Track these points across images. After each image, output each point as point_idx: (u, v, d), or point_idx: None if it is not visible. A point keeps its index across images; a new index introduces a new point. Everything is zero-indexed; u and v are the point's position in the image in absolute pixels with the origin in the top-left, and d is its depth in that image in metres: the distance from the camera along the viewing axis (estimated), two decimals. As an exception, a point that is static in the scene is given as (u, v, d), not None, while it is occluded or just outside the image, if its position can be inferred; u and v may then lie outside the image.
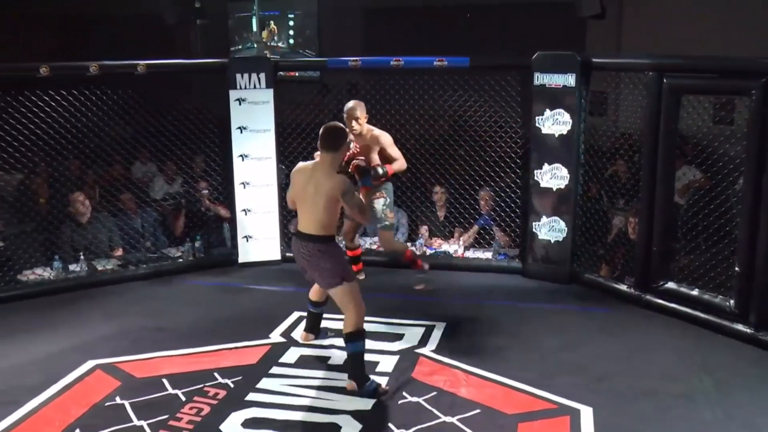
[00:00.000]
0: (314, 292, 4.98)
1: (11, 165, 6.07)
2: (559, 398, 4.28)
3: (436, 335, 5.18)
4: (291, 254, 6.76)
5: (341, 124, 4.57)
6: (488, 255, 6.71)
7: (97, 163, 6.79)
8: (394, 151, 5.76)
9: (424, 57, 6.38)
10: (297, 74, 9.87)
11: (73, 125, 6.19)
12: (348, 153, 5.27)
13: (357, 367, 4.38)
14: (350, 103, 5.65)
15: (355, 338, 4.36)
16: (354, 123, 5.58)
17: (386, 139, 5.73)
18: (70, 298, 6.00)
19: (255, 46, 10.33)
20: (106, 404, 4.23)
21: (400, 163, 5.75)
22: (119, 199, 6.90)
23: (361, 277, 6.11)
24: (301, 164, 4.53)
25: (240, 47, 11.25)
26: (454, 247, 6.80)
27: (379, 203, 5.78)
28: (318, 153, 4.60)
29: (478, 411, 4.15)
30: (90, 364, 4.74)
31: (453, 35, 9.40)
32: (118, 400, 4.28)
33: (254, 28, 9.55)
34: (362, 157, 5.01)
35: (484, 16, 9.87)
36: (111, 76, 6.30)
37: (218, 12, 10.94)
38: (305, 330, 5.13)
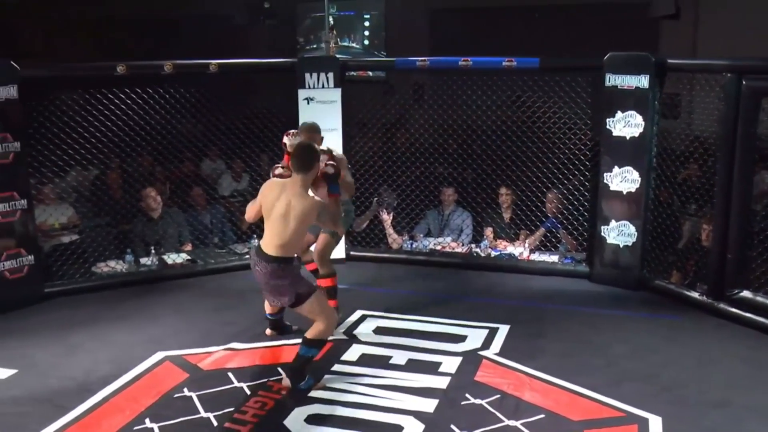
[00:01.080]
0: (269, 306, 4.99)
1: (88, 161, 6.28)
2: (627, 406, 4.18)
3: (500, 338, 5.13)
4: (355, 252, 6.93)
5: (313, 144, 4.46)
6: (554, 258, 6.61)
7: (168, 159, 6.95)
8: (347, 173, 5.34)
9: (493, 57, 6.32)
10: (371, 74, 9.84)
11: (147, 122, 6.36)
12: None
13: (299, 368, 4.38)
14: (308, 123, 5.25)
15: (312, 345, 4.36)
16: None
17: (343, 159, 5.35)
18: (141, 290, 6.16)
19: (323, 45, 10.39)
20: (175, 395, 4.33)
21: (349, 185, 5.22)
22: (189, 194, 7.06)
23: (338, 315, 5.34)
24: (272, 180, 4.41)
25: (314, 46, 11.25)
26: (519, 250, 6.72)
27: None
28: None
29: (542, 416, 4.09)
30: (159, 355, 4.86)
31: (520, 36, 9.29)
32: (185, 391, 4.37)
33: (326, 29, 9.61)
34: (332, 162, 4.62)
35: (552, 16, 9.74)
36: (184, 75, 6.46)
37: (287, 13, 11.10)
38: (269, 327, 5.18)
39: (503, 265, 6.63)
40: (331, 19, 10.27)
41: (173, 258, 6.66)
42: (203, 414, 4.11)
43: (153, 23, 11.69)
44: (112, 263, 6.48)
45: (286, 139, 4.97)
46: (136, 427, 3.99)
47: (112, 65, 5.99)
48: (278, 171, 4.73)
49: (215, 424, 4.02)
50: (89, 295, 6.05)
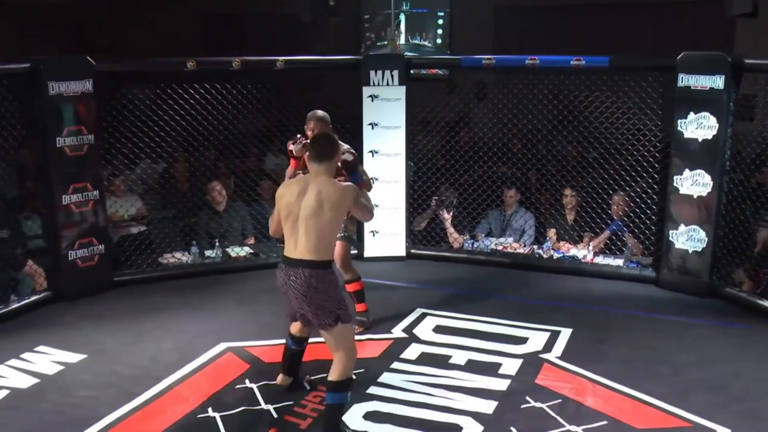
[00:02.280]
0: (296, 327, 4.21)
1: (157, 154, 6.42)
2: (694, 417, 4.06)
3: (562, 341, 5.06)
4: (416, 251, 6.92)
5: (330, 133, 4.19)
6: (619, 262, 6.47)
7: (234, 154, 7.06)
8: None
9: (561, 56, 6.22)
10: (440, 72, 9.71)
11: (214, 117, 6.48)
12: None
13: (334, 422, 3.82)
14: (320, 113, 5.10)
15: (341, 388, 3.78)
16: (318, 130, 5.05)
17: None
18: (205, 282, 6.28)
19: (388, 43, 10.37)
20: (237, 386, 4.40)
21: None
22: (253, 189, 7.15)
23: (365, 319, 5.31)
24: (288, 180, 4.07)
25: (380, 43, 11.19)
26: (583, 252, 6.60)
27: None
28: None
29: (604, 422, 4.01)
30: (222, 346, 4.95)
31: (588, 34, 9.11)
32: (247, 383, 4.43)
33: (392, 26, 9.59)
34: (350, 149, 4.46)
35: (620, 14, 9.52)
36: (251, 71, 6.54)
37: (352, 10, 11.14)
38: (282, 372, 4.35)
39: (566, 267, 6.52)
40: (402, 16, 10.23)
41: (236, 251, 6.77)
42: (264, 405, 4.17)
43: (221, 20, 11.91)
44: (177, 254, 6.63)
45: (292, 147, 4.82)
46: (199, 416, 4.07)
47: (183, 61, 6.11)
48: (292, 147, 4.74)
49: (275, 416, 4.07)
50: (155, 285, 6.20)
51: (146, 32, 12.43)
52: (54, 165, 5.68)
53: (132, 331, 5.23)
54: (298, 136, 4.88)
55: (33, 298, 5.73)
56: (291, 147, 4.83)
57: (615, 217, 6.61)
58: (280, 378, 4.33)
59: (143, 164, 6.75)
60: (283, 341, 4.97)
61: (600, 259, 6.55)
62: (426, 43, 10.68)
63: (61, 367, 4.68)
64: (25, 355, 4.84)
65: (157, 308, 5.67)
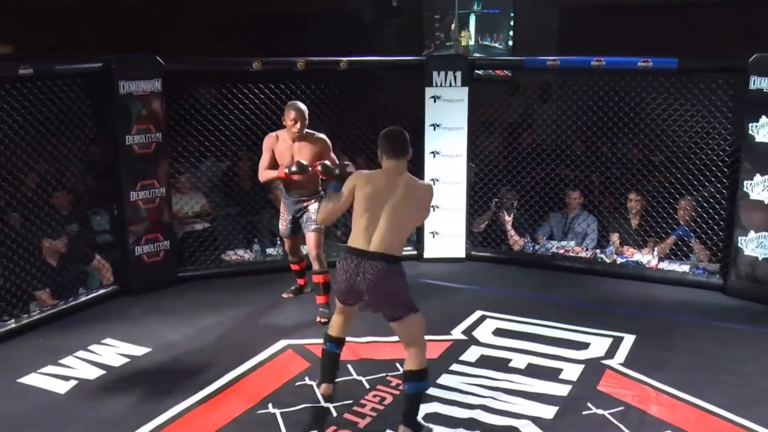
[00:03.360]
0: (339, 327, 4.07)
1: (222, 153, 6.53)
2: (761, 428, 3.95)
3: (625, 347, 4.96)
4: (476, 252, 6.87)
5: (400, 128, 3.97)
6: (685, 268, 6.31)
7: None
8: (333, 156, 5.43)
9: (628, 57, 6.09)
10: (508, 73, 9.57)
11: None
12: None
13: (415, 411, 3.83)
14: (300, 104, 5.31)
15: (422, 377, 3.79)
16: (300, 125, 5.24)
17: (328, 143, 5.47)
18: (266, 279, 6.36)
19: (453, 43, 10.27)
20: (297, 383, 4.44)
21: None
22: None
23: (308, 290, 5.91)
24: (367, 172, 3.92)
25: (449, 43, 11.06)
26: (647, 258, 6.45)
27: (314, 206, 5.36)
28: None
29: (668, 432, 3.92)
30: (282, 343, 5.01)
31: (654, 35, 8.90)
32: (307, 380, 4.47)
33: (455, 26, 9.52)
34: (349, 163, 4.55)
35: (689, 14, 9.26)
36: (314, 71, 6.60)
37: (414, 10, 11.13)
38: (325, 381, 4.09)
39: (629, 272, 6.39)
40: (472, 17, 10.13)
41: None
42: (323, 403, 4.19)
43: (284, 20, 12.04)
44: (240, 252, 6.73)
45: (287, 170, 5.19)
46: (259, 411, 4.12)
47: (248, 61, 6.20)
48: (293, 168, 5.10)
49: (334, 414, 4.09)
50: (218, 281, 6.32)
51: (208, 32, 12.67)
52: (123, 162, 5.84)
53: (195, 326, 5.33)
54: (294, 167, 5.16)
55: (100, 291, 5.90)
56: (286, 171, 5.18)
57: (681, 222, 6.45)
58: (324, 388, 4.09)
59: (208, 162, 6.88)
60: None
61: (665, 265, 6.40)
62: (497, 45, 10.48)
63: (127, 360, 4.82)
64: (92, 347, 4.99)
65: (219, 304, 5.77)
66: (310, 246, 5.43)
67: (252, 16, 12.17)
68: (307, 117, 5.29)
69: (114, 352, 4.93)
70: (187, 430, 3.98)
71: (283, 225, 5.61)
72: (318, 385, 4.20)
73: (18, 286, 5.42)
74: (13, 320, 5.25)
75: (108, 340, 5.09)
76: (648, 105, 6.35)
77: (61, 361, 4.77)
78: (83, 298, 5.75)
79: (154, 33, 13.04)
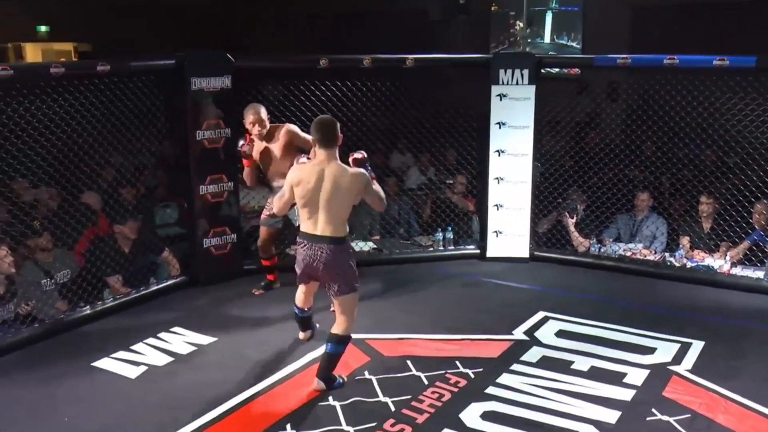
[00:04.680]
0: (301, 299, 4.70)
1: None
2: (837, 442, 3.79)
3: (693, 354, 4.82)
4: (539, 253, 6.79)
5: (331, 117, 4.36)
6: (759, 274, 6.09)
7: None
8: (305, 136, 5.37)
9: (703, 56, 5.92)
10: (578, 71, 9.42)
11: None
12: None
13: (331, 368, 4.32)
14: (256, 106, 5.46)
15: (343, 342, 4.29)
16: (259, 126, 5.38)
17: (293, 127, 5.53)
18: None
19: (539, 41, 10.12)
20: (356, 377, 4.48)
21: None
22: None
23: (277, 285, 6.00)
24: (300, 166, 4.26)
25: (530, 40, 10.89)
26: (719, 262, 6.26)
27: None
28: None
29: (737, 442, 3.81)
30: (343, 337, 5.05)
31: (729, 33, 8.62)
32: (366, 374, 4.51)
33: (523, 24, 9.43)
34: (362, 152, 4.59)
35: (764, 11, 8.95)
36: (380, 69, 6.63)
37: (481, 8, 11.08)
38: (302, 330, 4.95)
39: (700, 277, 6.21)
40: (549, 14, 9.99)
41: (360, 245, 6.89)
42: (382, 398, 4.23)
43: (351, 18, 12.15)
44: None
45: (245, 148, 5.37)
46: (320, 403, 4.18)
47: (316, 58, 6.28)
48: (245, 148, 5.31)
49: (392, 409, 4.11)
50: (282, 275, 6.35)
51: (276, 30, 12.87)
52: (193, 157, 5.99)
53: (260, 317, 5.43)
54: (246, 136, 5.39)
55: (169, 282, 6.07)
56: (244, 148, 5.36)
57: (756, 227, 6.23)
58: (302, 335, 4.93)
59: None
60: (402, 336, 5.08)
61: (738, 270, 6.20)
62: (574, 44, 10.27)
63: (194, 348, 4.95)
64: (161, 335, 5.14)
65: (284, 297, 5.83)
66: (263, 238, 5.70)
67: (322, 14, 12.31)
68: (264, 116, 5.43)
69: (182, 340, 5.07)
70: (249, 419, 4.06)
71: (266, 214, 5.66)
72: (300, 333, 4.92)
73: (93, 274, 5.62)
74: (88, 307, 5.46)
75: (176, 329, 5.24)
76: (723, 105, 6.15)
77: (132, 347, 4.94)
78: (153, 288, 5.94)
79: (227, 31, 13.33)
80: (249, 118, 5.40)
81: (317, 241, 4.12)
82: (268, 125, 5.45)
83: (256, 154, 5.48)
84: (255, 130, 5.40)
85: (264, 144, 5.47)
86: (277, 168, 5.47)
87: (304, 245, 4.18)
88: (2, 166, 5.19)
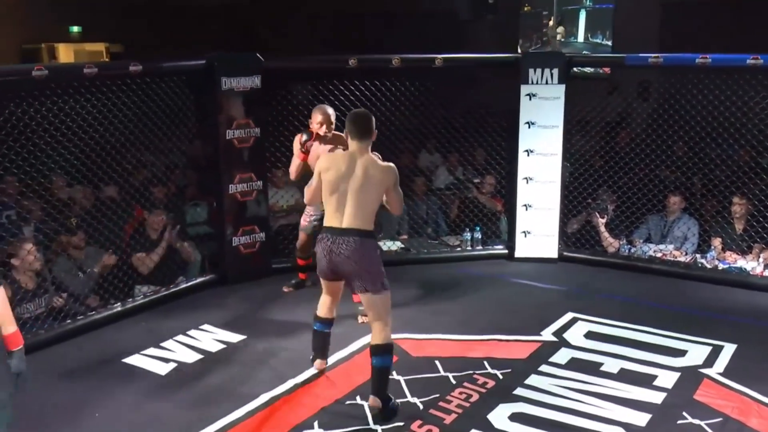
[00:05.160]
0: (325, 308, 4.39)
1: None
2: None
3: (725, 356, 4.76)
4: (568, 253, 6.74)
5: (366, 111, 4.30)
6: (793, 276, 6.01)
7: (390, 150, 7.18)
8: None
9: (737, 54, 5.83)
10: (601, 71, 9.32)
11: (372, 113, 6.60)
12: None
13: (384, 383, 4.03)
14: (326, 108, 5.43)
15: (387, 351, 4.02)
16: (326, 128, 5.36)
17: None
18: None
19: (573, 40, 10.03)
20: (385, 376, 4.48)
21: None
22: (408, 185, 7.25)
23: (309, 284, 5.91)
24: (331, 154, 4.28)
25: (564, 39, 10.78)
26: (751, 264, 6.17)
27: None
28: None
29: (770, 446, 3.75)
30: (370, 337, 5.05)
31: (762, 31, 8.49)
32: (394, 374, 4.49)
33: (553, 22, 9.36)
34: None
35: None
36: (409, 68, 6.63)
37: (510, 7, 11.02)
38: (318, 358, 4.52)
39: (732, 279, 6.12)
40: (582, 12, 9.88)
41: (388, 245, 6.90)
42: (410, 398, 4.23)
43: (377, 18, 12.16)
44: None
45: (305, 138, 5.29)
46: (347, 402, 4.20)
47: (345, 58, 6.30)
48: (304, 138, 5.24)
49: (420, 408, 4.12)
50: (311, 274, 6.41)
51: (303, 31, 12.92)
52: (223, 156, 6.04)
53: (288, 316, 5.46)
54: (313, 133, 5.34)
55: (199, 280, 6.13)
56: (308, 143, 5.28)
57: (791, 228, 6.14)
58: (318, 363, 4.53)
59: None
60: (430, 336, 5.05)
61: (771, 273, 6.11)
62: (609, 42, 10.12)
63: (223, 346, 4.99)
64: (191, 332, 5.20)
65: (312, 296, 5.81)
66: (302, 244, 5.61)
67: (349, 14, 12.34)
68: (332, 119, 5.37)
69: (211, 338, 5.12)
70: (278, 416, 4.08)
71: (307, 221, 5.66)
72: (312, 361, 4.53)
73: (125, 272, 5.70)
74: (119, 304, 5.54)
75: (206, 327, 5.29)
76: (757, 104, 6.06)
77: (162, 344, 5.00)
78: (183, 286, 6.00)
79: (257, 32, 13.43)
80: (317, 118, 5.34)
81: (342, 234, 3.96)
82: (333, 129, 5.40)
83: (312, 155, 5.37)
84: (321, 130, 5.34)
85: (322, 147, 5.32)
86: None
87: (327, 239, 4.01)
88: (37, 165, 5.27)
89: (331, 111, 5.42)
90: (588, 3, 9.75)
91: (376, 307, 4.03)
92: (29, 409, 4.13)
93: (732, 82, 6.04)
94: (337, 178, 3.99)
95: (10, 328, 3.07)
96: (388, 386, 4.06)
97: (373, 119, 4.12)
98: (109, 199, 6.04)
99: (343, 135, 5.16)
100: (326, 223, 4.06)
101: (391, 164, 4.07)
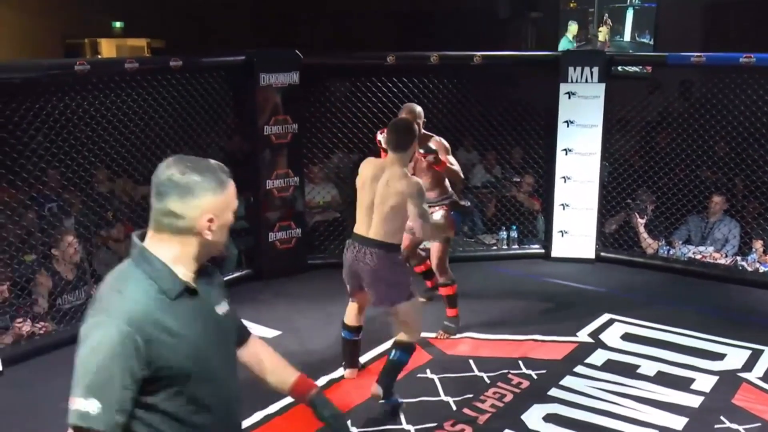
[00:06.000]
0: (353, 316, 4.32)
1: (354, 144, 6.67)
2: None
3: (765, 361, 4.67)
4: (606, 254, 6.67)
5: (410, 121, 4.17)
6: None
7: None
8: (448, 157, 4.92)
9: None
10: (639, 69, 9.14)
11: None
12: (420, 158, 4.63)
13: (391, 376, 4.04)
14: (413, 106, 4.89)
15: (408, 349, 4.04)
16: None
17: (444, 142, 5.00)
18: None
19: (618, 39, 9.89)
20: (418, 375, 4.48)
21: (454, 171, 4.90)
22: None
23: (453, 325, 5.11)
24: (369, 159, 4.11)
25: (609, 38, 10.60)
26: (795, 268, 6.05)
27: (439, 214, 4.82)
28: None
29: (812, 455, 3.67)
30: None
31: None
32: (428, 373, 4.51)
33: (595, 21, 9.25)
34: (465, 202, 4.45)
35: None
36: (448, 66, 6.61)
37: (551, 5, 10.91)
38: (349, 367, 4.46)
39: None
40: (630, 11, 9.74)
41: (424, 243, 6.86)
42: (443, 397, 4.23)
43: (418, 16, 12.14)
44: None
45: (380, 136, 4.76)
46: (381, 401, 4.15)
47: (383, 55, 6.30)
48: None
49: (454, 408, 4.11)
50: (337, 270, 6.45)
51: (342, 28, 12.95)
52: (260, 151, 6.08)
53: (323, 312, 5.47)
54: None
55: (234, 275, 6.17)
56: (379, 137, 4.79)
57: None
58: (348, 372, 4.46)
59: (340, 153, 7.05)
60: (465, 335, 5.04)
61: (815, 276, 5.97)
62: (653, 42, 9.93)
63: (258, 341, 5.02)
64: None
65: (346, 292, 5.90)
66: (431, 256, 5.09)
67: (390, 12, 12.34)
68: (418, 117, 4.80)
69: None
70: (309, 413, 4.08)
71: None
72: (344, 368, 4.47)
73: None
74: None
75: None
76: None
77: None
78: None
79: (296, 28, 13.50)
80: (402, 114, 4.87)
81: (366, 243, 3.92)
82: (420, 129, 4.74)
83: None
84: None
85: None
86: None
87: (353, 247, 3.98)
88: (78, 159, 5.36)
89: (417, 108, 4.88)
90: (636, 1, 9.57)
91: (406, 314, 4.01)
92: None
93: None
94: (364, 185, 3.97)
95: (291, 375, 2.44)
96: (395, 382, 4.07)
97: (414, 131, 3.98)
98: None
99: (430, 135, 4.96)
100: (355, 229, 4.04)
101: (415, 179, 3.91)
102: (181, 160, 1.86)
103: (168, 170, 1.82)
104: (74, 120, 5.17)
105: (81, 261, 5.31)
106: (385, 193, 3.86)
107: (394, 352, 4.05)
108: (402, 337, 4.05)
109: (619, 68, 6.57)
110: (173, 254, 1.83)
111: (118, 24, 13.73)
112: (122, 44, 13.82)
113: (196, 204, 1.81)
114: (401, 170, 3.88)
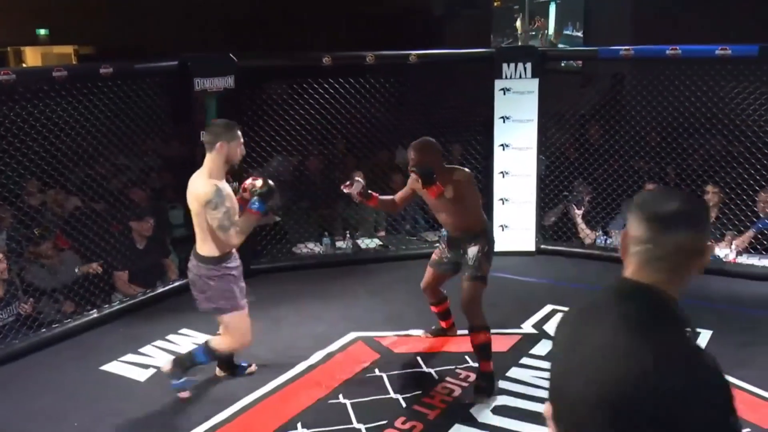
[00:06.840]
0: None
1: (293, 147, 6.62)
2: None
3: (702, 343, 4.75)
4: (546, 246, 6.78)
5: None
6: (765, 262, 6.08)
7: (367, 147, 7.17)
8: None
9: (705, 45, 5.90)
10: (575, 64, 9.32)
11: (347, 111, 6.61)
12: None
13: (185, 363, 4.26)
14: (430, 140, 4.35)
15: (211, 354, 4.29)
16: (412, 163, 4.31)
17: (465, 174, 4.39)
18: (336, 272, 6.45)
19: (522, 35, 10.10)
20: (367, 374, 4.49)
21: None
22: (385, 182, 7.24)
23: (451, 333, 5.00)
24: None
25: (534, 33, 10.76)
26: (725, 252, 6.25)
27: (473, 250, 4.37)
28: None
29: (748, 430, 3.78)
30: (352, 335, 5.06)
31: (733, 22, 8.57)
32: (377, 371, 4.51)
33: (524, 16, 9.39)
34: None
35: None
36: (384, 66, 6.63)
37: (484, 3, 11.06)
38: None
39: (707, 267, 6.17)
40: (553, 5, 9.91)
41: (366, 243, 6.90)
42: (392, 395, 4.24)
43: (355, 17, 12.16)
44: (310, 245, 6.83)
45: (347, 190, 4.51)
46: (330, 401, 4.19)
47: (319, 56, 6.27)
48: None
49: (404, 405, 4.12)
50: (289, 274, 6.42)
51: (287, 30, 12.86)
52: (199, 157, 5.96)
53: (269, 317, 5.42)
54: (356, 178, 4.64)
55: (177, 284, 6.03)
56: (346, 190, 4.52)
57: (761, 215, 6.22)
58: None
59: (280, 157, 6.99)
60: (411, 332, 5.05)
61: (743, 259, 6.19)
62: (579, 33, 10.16)
63: (203, 349, 4.94)
64: (170, 337, 5.15)
65: (291, 296, 5.88)
66: (462, 298, 4.39)
67: (327, 15, 12.31)
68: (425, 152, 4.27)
69: (190, 341, 5.06)
70: (261, 418, 4.07)
71: (437, 255, 4.74)
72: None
73: (101, 278, 5.63)
74: (95, 310, 5.46)
75: (184, 330, 5.25)
76: (727, 94, 6.13)
77: (140, 350, 4.95)
78: (160, 290, 5.93)
79: (235, 31, 13.34)
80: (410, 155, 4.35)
81: (193, 255, 4.19)
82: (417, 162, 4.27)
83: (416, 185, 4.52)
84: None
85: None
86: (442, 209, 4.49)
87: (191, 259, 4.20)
88: (6, 171, 5.18)
89: (414, 147, 4.32)
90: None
91: (224, 325, 4.22)
92: (8, 420, 4.09)
93: (703, 72, 6.10)
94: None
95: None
96: (187, 370, 4.25)
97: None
98: (82, 208, 5.94)
99: (455, 168, 4.44)
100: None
101: (211, 183, 4.00)
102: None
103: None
104: (1, 131, 4.99)
105: (11, 277, 5.14)
106: (195, 205, 4.04)
107: (201, 351, 4.26)
108: (214, 341, 4.27)
109: (563, 63, 6.67)
110: None
111: (42, 31, 13.34)
112: (48, 52, 13.45)
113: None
114: (200, 172, 4.11)
